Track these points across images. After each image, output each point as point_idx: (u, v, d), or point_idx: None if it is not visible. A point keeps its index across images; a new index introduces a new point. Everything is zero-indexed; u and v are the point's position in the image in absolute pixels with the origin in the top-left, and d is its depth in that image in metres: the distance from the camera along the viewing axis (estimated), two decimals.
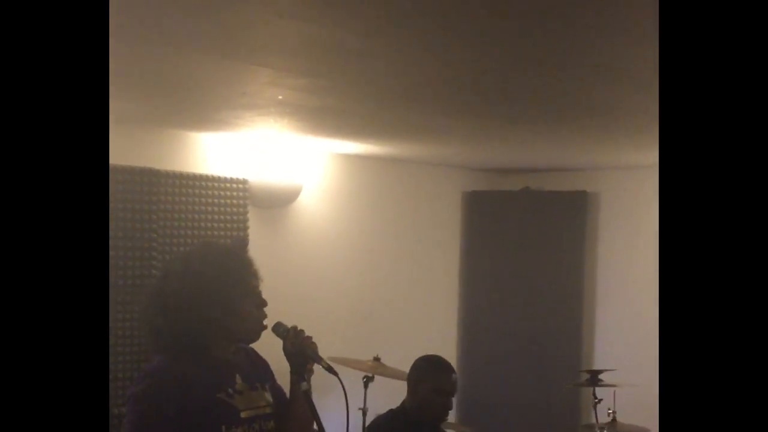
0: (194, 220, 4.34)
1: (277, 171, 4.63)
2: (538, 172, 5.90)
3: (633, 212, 5.40)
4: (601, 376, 4.50)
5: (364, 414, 4.48)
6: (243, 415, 2.33)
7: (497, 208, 5.89)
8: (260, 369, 2.48)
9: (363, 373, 4.50)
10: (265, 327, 2.41)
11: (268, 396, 2.45)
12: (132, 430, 2.24)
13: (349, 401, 4.67)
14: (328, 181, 5.05)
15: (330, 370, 2.35)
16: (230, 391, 2.33)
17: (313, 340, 2.45)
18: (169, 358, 2.32)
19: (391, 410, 3.50)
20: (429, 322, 5.62)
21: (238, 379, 2.38)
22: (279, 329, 2.46)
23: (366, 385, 4.50)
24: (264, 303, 2.43)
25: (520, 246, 5.79)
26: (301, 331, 2.44)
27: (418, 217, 5.59)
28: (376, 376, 4.49)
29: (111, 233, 3.97)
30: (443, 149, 5.01)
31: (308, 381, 2.40)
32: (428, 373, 3.40)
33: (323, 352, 4.26)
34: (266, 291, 4.82)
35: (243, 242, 2.52)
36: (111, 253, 3.97)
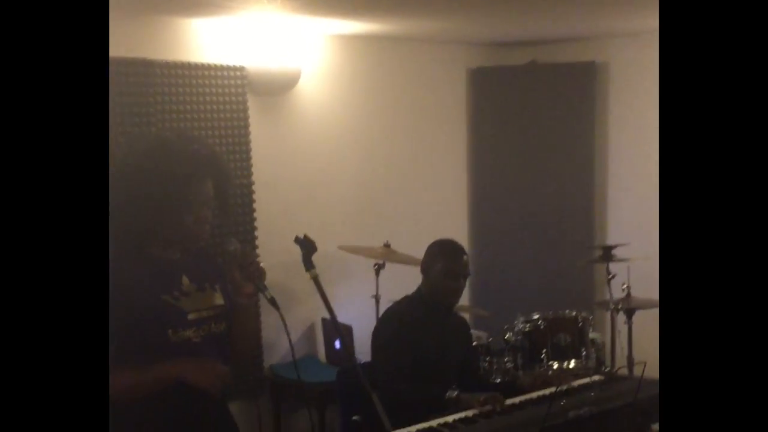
0: (192, 111, 4.23)
1: (275, 56, 4.47)
2: (545, 44, 5.70)
3: (643, 81, 5.23)
4: (614, 252, 4.46)
5: (377, 301, 4.48)
6: (191, 317, 2.27)
7: (504, 84, 5.72)
8: (210, 269, 2.40)
9: (374, 261, 4.48)
10: (199, 237, 2.30)
11: (219, 297, 2.38)
12: None
13: (361, 289, 4.69)
14: (327, 64, 4.88)
15: (272, 302, 2.26)
16: (176, 293, 2.28)
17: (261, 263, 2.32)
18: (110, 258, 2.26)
19: (406, 296, 3.50)
20: (438, 205, 5.56)
21: (185, 279, 2.32)
22: (229, 247, 2.35)
23: (377, 273, 4.49)
24: (206, 214, 2.29)
25: (528, 122, 5.65)
26: (250, 253, 2.36)
27: (422, 98, 5.44)
28: (387, 262, 4.46)
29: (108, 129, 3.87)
30: (445, 24, 4.82)
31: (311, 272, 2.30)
32: (438, 256, 3.38)
33: (333, 240, 4.26)
34: (269, 180, 4.78)
35: (200, 144, 2.35)
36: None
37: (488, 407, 2.97)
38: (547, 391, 3.18)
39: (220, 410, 2.41)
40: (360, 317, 4.33)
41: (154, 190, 2.20)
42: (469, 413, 2.93)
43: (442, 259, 3.37)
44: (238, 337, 2.42)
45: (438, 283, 3.37)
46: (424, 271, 3.44)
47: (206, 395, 2.25)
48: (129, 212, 2.19)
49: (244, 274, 2.31)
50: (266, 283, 2.35)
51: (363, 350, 3.72)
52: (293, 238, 2.35)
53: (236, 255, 2.32)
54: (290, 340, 2.31)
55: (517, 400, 3.08)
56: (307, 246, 2.25)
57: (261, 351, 4.50)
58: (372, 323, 3.58)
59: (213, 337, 2.33)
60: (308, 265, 2.23)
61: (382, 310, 3.69)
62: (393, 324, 3.36)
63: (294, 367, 2.54)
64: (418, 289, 3.47)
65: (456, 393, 3.10)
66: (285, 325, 2.23)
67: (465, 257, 3.41)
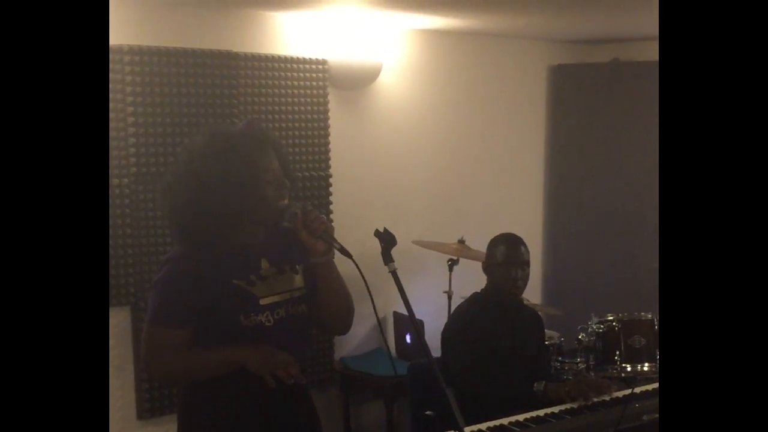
0: (274, 104, 4.29)
1: (356, 50, 4.50)
2: (629, 42, 5.61)
3: None
4: None
5: (449, 297, 4.48)
6: (263, 302, 2.31)
7: (585, 82, 5.65)
8: (293, 251, 2.42)
9: (448, 257, 4.48)
10: (284, 210, 2.32)
11: (299, 279, 2.41)
12: (151, 316, 2.30)
13: (433, 284, 4.68)
14: (408, 59, 4.90)
15: (343, 251, 2.28)
16: (252, 277, 2.32)
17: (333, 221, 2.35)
18: (189, 246, 2.31)
19: (474, 293, 3.50)
20: (514, 203, 5.54)
21: (264, 263, 2.36)
22: (291, 210, 2.34)
23: (451, 268, 4.49)
24: (282, 184, 2.33)
25: (609, 121, 5.57)
26: (311, 211, 2.33)
27: (502, 94, 5.41)
28: (461, 258, 4.46)
29: (192, 120, 3.96)
30: (527, 20, 4.78)
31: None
32: (497, 248, 3.40)
33: (407, 235, 4.27)
34: (347, 174, 4.81)
35: (252, 123, 2.45)
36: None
37: (574, 404, 2.98)
38: (620, 394, 3.15)
39: (295, 393, 2.42)
40: (432, 313, 4.34)
41: (231, 173, 2.24)
42: (540, 413, 2.92)
43: (501, 249, 3.38)
44: (327, 299, 2.41)
45: (500, 275, 3.36)
46: (486, 268, 3.44)
47: (263, 382, 2.27)
48: (202, 204, 2.24)
49: (310, 232, 2.30)
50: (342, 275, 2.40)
51: (434, 346, 3.73)
52: (370, 232, 2.35)
53: (299, 217, 2.31)
54: (369, 290, 2.28)
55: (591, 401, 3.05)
56: (386, 239, 2.25)
57: (332, 343, 4.56)
58: (444, 319, 3.59)
59: (289, 320, 2.36)
60: (387, 258, 2.22)
61: (454, 306, 3.69)
62: (462, 321, 3.36)
63: (363, 359, 2.56)
64: (485, 288, 3.47)
65: (543, 384, 3.10)
66: (362, 274, 2.21)
67: (522, 247, 3.40)
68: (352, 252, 2.28)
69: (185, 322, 2.26)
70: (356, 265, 2.22)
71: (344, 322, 2.51)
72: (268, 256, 2.37)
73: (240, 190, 2.25)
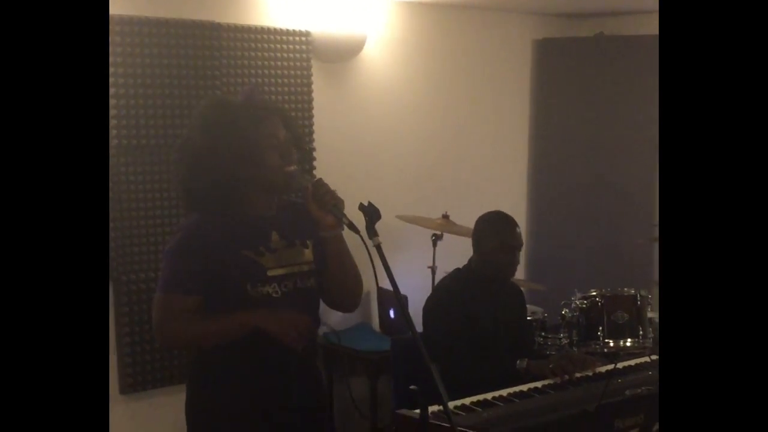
0: (257, 75, 4.24)
1: (340, 22, 4.45)
2: (614, 16, 5.58)
3: None
4: None
5: (433, 272, 4.48)
6: (271, 273, 2.33)
7: (570, 56, 5.61)
8: (305, 225, 2.43)
9: (432, 231, 4.47)
10: (291, 177, 2.34)
11: (309, 253, 2.43)
12: (163, 283, 2.33)
13: (417, 259, 4.68)
14: (392, 31, 4.85)
15: (351, 227, 2.27)
16: (261, 248, 2.34)
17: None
18: (201, 215, 2.34)
19: (457, 269, 3.48)
20: (498, 177, 5.51)
21: (275, 236, 2.38)
22: (303, 183, 2.37)
23: (435, 243, 4.49)
24: (288, 152, 2.36)
25: (593, 95, 5.55)
26: (323, 184, 2.34)
27: (486, 67, 5.37)
28: (444, 233, 4.45)
29: (174, 91, 3.91)
30: None
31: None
32: (491, 230, 3.36)
33: (391, 210, 4.25)
34: (331, 147, 4.78)
35: (254, 92, 2.49)
36: (175, 111, 3.92)
37: (557, 379, 2.98)
38: (604, 369, 3.15)
39: (303, 363, 2.44)
40: (415, 288, 4.32)
41: (227, 142, 2.28)
42: (524, 388, 2.92)
43: (496, 233, 3.34)
44: (337, 274, 2.43)
45: (492, 258, 3.34)
46: (475, 245, 3.42)
47: (284, 346, 2.30)
48: (214, 171, 2.28)
49: (320, 205, 2.32)
50: None
51: (417, 321, 3.72)
52: (354, 205, 2.33)
53: (310, 190, 2.33)
54: (374, 266, 2.23)
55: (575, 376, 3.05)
56: (371, 213, 2.23)
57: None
58: (427, 294, 3.58)
59: (297, 293, 2.39)
60: (371, 232, 2.20)
61: (437, 282, 3.68)
62: (444, 296, 3.35)
63: (347, 334, 2.56)
64: (469, 263, 3.45)
65: (526, 362, 3.10)
66: (368, 251, 2.17)
67: (517, 229, 3.39)
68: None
69: (196, 289, 2.29)
70: (363, 240, 2.20)
71: (354, 298, 2.54)
72: (278, 229, 2.40)
73: (239, 158, 2.28)
